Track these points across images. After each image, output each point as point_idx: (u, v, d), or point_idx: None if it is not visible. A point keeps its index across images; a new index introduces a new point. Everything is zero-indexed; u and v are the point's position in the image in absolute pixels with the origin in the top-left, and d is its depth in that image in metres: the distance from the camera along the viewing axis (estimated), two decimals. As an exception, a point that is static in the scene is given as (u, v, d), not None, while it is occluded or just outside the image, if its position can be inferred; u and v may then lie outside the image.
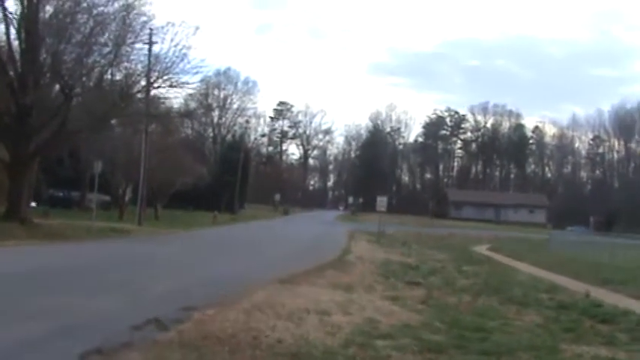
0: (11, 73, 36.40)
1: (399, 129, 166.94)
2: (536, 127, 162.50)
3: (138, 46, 41.49)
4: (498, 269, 28.70)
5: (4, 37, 36.82)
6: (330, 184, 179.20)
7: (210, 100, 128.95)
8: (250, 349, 10.08)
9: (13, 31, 36.31)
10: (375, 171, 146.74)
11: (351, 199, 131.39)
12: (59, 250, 27.79)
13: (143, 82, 43.53)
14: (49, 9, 36.89)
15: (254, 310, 13.35)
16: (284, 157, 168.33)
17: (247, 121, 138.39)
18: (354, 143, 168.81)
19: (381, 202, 56.92)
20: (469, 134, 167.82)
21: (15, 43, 36.71)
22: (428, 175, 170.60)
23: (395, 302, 16.00)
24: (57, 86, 39.30)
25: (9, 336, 10.28)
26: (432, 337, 11.74)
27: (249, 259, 29.49)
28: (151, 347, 9.88)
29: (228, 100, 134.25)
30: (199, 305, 13.46)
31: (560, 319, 14.94)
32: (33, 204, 50.30)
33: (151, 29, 41.32)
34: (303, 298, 15.53)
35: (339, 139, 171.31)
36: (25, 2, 35.71)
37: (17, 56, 36.62)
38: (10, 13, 35.86)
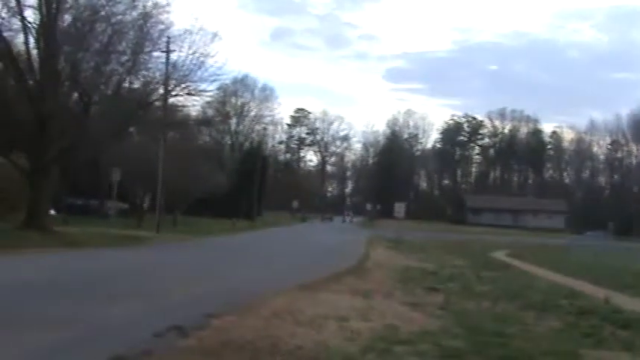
0: (30, 81, 36.62)
1: (416, 135, 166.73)
2: (554, 133, 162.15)
3: (156, 54, 41.73)
4: (517, 275, 28.58)
5: (23, 47, 37.05)
6: (347, 190, 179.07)
7: (227, 108, 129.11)
8: (270, 355, 10.09)
9: (32, 41, 36.54)
10: (392, 177, 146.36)
11: (369, 206, 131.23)
12: (78, 257, 27.85)
13: (161, 91, 43.73)
14: (67, 18, 37.13)
15: (273, 316, 13.38)
16: (302, 164, 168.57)
17: (265, 129, 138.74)
18: (371, 150, 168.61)
19: (399, 208, 56.97)
20: (487, 140, 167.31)
21: (34, 52, 36.94)
22: (446, 181, 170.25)
23: (414, 308, 15.96)
24: (76, 95, 39.52)
25: (29, 344, 10.34)
26: (452, 343, 11.70)
27: (268, 266, 29.50)
28: (172, 354, 9.93)
29: (246, 108, 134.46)
30: (219, 312, 13.46)
31: (579, 324, 14.84)
32: (52, 212, 50.51)
33: (168, 37, 41.54)
34: (323, 304, 15.54)
35: (356, 146, 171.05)
36: (44, 11, 35.92)
37: (36, 65, 36.82)
38: (29, 23, 36.13)
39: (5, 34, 35.74)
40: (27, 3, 35.93)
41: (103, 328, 11.89)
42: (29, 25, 36.11)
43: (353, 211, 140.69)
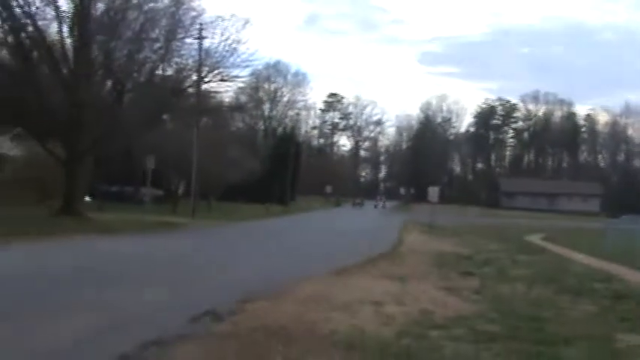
0: (64, 70, 36.89)
1: (450, 119, 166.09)
2: (588, 115, 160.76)
3: (188, 41, 42.00)
4: (552, 259, 28.42)
5: (57, 35, 37.33)
6: (381, 175, 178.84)
7: (260, 94, 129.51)
8: (304, 339, 10.11)
9: (65, 30, 36.82)
10: (426, 162, 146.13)
11: (402, 190, 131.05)
12: (112, 243, 28.00)
13: (194, 77, 43.92)
14: (100, 6, 37.41)
15: (308, 301, 13.42)
16: (335, 149, 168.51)
17: (298, 114, 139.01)
18: (405, 134, 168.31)
19: (433, 192, 56.76)
20: (521, 123, 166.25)
21: (68, 41, 37.24)
22: (480, 165, 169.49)
23: (449, 292, 15.93)
24: (109, 83, 39.74)
25: (67, 329, 10.48)
26: (486, 327, 11.66)
27: (302, 251, 29.53)
28: (207, 339, 9.99)
29: (279, 93, 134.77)
30: (254, 297, 13.51)
31: (615, 308, 14.72)
32: (88, 199, 50.95)
33: (200, 24, 41.76)
34: (357, 289, 15.56)
35: (390, 130, 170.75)
36: (78, 0, 36.14)
37: (70, 54, 37.07)
38: (63, 12, 36.40)
39: (40, 23, 36.06)
40: (61, -8, 36.26)
41: (138, 314, 12.00)
42: (63, 14, 36.43)
43: (386, 195, 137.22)
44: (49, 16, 36.47)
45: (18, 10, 35.13)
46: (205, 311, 11.71)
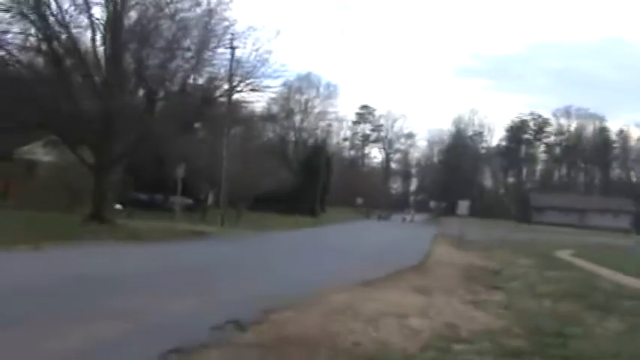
0: (97, 78, 37.11)
1: (481, 133, 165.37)
2: (621, 131, 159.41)
3: (220, 50, 42.02)
4: (581, 275, 28.18)
5: (90, 44, 37.60)
6: (412, 188, 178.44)
7: (291, 104, 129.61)
8: (327, 351, 10.08)
9: (98, 37, 37.07)
10: (457, 175, 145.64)
11: (433, 203, 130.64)
12: (141, 250, 28.15)
13: (225, 87, 44.05)
14: (133, 15, 37.58)
15: (332, 312, 13.37)
16: (366, 161, 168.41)
17: (329, 125, 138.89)
18: (436, 147, 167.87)
19: (463, 206, 56.48)
20: (552, 138, 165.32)
21: (100, 49, 37.48)
22: (511, 180, 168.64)
23: (475, 307, 15.85)
24: (141, 91, 39.94)
25: (91, 335, 10.51)
26: (512, 342, 11.58)
27: (330, 262, 29.49)
28: (229, 348, 9.97)
29: (310, 105, 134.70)
30: (278, 307, 13.49)
31: (644, 325, 14.62)
32: (118, 206, 51.19)
33: (232, 34, 41.92)
34: (383, 301, 15.50)
35: (421, 143, 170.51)
36: (111, 8, 36.39)
37: (102, 62, 37.32)
38: (97, 20, 36.65)
39: (73, 31, 36.32)
40: (94, 0, 36.54)
41: (161, 321, 12.01)
42: (96, 22, 36.69)
43: (415, 208, 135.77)
44: (82, 24, 36.77)
45: (52, 19, 35.38)
46: (228, 320, 11.69)
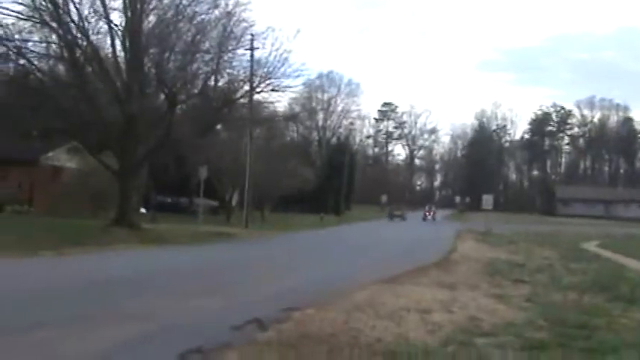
0: (117, 83, 37.29)
1: (504, 126, 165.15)
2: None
3: (239, 52, 42.07)
4: (607, 266, 27.97)
5: (110, 49, 37.83)
6: (436, 183, 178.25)
7: (314, 104, 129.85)
8: (349, 347, 10.07)
9: (118, 43, 37.29)
10: (481, 170, 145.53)
11: (457, 199, 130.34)
12: (165, 254, 28.39)
13: (246, 87, 44.08)
14: (151, 19, 37.71)
15: (354, 309, 13.37)
16: (390, 158, 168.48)
17: (352, 123, 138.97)
18: (459, 142, 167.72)
19: (487, 200, 56.50)
20: (576, 129, 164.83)
21: (120, 54, 37.68)
22: (535, 172, 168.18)
23: (499, 300, 15.78)
24: (162, 94, 40.08)
25: (115, 334, 10.64)
26: (535, 335, 11.53)
27: (354, 259, 29.54)
28: (250, 347, 10.00)
29: (332, 103, 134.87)
30: (301, 305, 13.53)
31: (669, 316, 14.50)
32: (142, 210, 51.47)
33: (252, 35, 41.96)
34: (405, 297, 15.48)
35: (444, 139, 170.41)
36: (129, 14, 36.56)
37: (123, 67, 37.50)
38: (116, 25, 36.84)
39: (93, 37, 36.53)
40: (113, 6, 36.70)
41: (184, 322, 12.05)
42: (115, 28, 36.87)
43: (439, 204, 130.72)
44: (102, 31, 36.98)
45: (72, 26, 35.58)
46: (251, 319, 11.73)
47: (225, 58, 40.30)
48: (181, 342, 10.06)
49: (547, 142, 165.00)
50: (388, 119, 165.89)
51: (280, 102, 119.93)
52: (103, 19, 36.51)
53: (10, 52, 36.24)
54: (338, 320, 12.12)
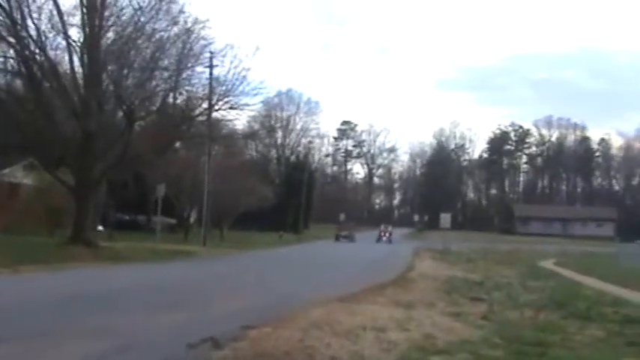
0: (75, 99, 37.05)
1: (463, 145, 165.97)
2: (602, 140, 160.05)
3: (198, 69, 42.03)
4: (563, 284, 28.27)
5: (68, 65, 37.56)
6: (395, 202, 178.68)
7: (272, 122, 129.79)
8: (303, 366, 10.08)
9: (76, 59, 37.05)
10: (440, 188, 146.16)
11: (416, 217, 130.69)
12: (122, 271, 28.22)
13: (205, 105, 43.96)
14: (110, 35, 37.55)
15: (311, 327, 13.32)
16: (349, 177, 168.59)
17: (311, 142, 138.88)
18: (418, 161, 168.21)
19: (445, 218, 56.78)
20: (534, 148, 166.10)
21: (79, 70, 37.44)
22: (493, 191, 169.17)
23: (455, 318, 15.84)
24: (120, 111, 39.90)
25: (70, 353, 10.55)
26: (490, 352, 11.59)
27: (311, 278, 29.56)
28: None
29: (291, 121, 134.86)
30: (257, 323, 13.46)
31: (623, 332, 14.59)
32: (100, 227, 51.08)
33: (211, 52, 41.96)
34: (362, 315, 15.47)
35: (403, 157, 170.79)
36: (87, 30, 36.37)
37: (81, 83, 37.27)
38: (74, 41, 36.63)
39: (51, 53, 36.30)
40: (71, 22, 36.52)
41: (140, 339, 11.97)
42: (73, 44, 36.67)
43: (393, 223, 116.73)
44: (60, 46, 36.78)
45: (30, 41, 35.32)
46: (205, 338, 11.65)
47: (184, 75, 40.26)
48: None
49: (505, 161, 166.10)
50: (347, 138, 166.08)
51: (239, 120, 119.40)
52: (61, 35, 36.35)
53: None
54: (294, 338, 12.07)
